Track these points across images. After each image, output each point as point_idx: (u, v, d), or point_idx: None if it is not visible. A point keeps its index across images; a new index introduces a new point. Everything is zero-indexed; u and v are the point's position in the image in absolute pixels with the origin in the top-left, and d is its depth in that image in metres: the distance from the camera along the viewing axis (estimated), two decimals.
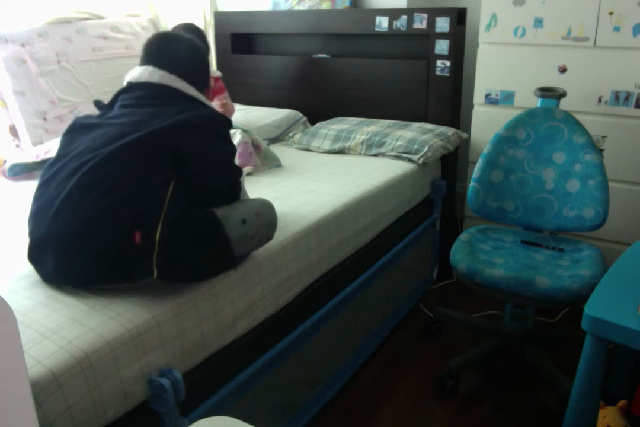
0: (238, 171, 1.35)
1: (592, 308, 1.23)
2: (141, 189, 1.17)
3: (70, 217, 1.16)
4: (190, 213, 1.21)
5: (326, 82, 2.80)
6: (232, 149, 1.37)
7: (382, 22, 2.55)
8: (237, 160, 1.89)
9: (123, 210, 1.15)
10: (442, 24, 2.41)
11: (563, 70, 2.21)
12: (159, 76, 1.33)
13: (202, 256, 1.21)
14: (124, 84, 1.38)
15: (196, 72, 1.41)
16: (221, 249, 1.24)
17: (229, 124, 1.37)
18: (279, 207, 1.67)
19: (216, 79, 2.36)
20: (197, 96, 1.37)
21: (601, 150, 2.17)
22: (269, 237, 1.39)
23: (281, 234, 1.52)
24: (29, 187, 1.87)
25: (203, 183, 1.26)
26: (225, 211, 1.27)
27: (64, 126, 1.50)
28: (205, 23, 3.04)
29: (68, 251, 1.16)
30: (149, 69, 1.34)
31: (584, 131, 1.89)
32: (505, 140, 1.98)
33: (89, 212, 1.15)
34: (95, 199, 1.15)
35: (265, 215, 1.36)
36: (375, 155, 2.34)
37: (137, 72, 1.36)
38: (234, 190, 1.34)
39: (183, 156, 1.22)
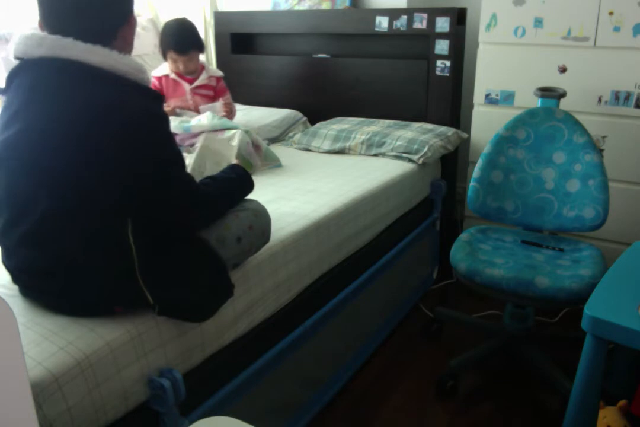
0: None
1: (592, 308, 1.23)
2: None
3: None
4: (169, 246, 1.12)
5: (326, 82, 2.80)
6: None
7: (382, 22, 2.55)
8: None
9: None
10: (442, 24, 2.41)
11: (563, 70, 2.21)
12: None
13: (199, 293, 1.14)
14: None
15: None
16: (218, 280, 1.19)
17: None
18: (279, 207, 1.68)
19: (218, 79, 2.36)
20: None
21: (601, 150, 2.17)
22: (265, 242, 1.37)
23: (281, 234, 1.52)
24: None
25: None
26: (220, 232, 1.21)
27: None
28: (205, 23, 3.04)
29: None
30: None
31: (584, 131, 1.89)
32: (505, 140, 1.98)
33: None
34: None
35: (259, 225, 1.31)
36: (375, 155, 2.34)
37: None
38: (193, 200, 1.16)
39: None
